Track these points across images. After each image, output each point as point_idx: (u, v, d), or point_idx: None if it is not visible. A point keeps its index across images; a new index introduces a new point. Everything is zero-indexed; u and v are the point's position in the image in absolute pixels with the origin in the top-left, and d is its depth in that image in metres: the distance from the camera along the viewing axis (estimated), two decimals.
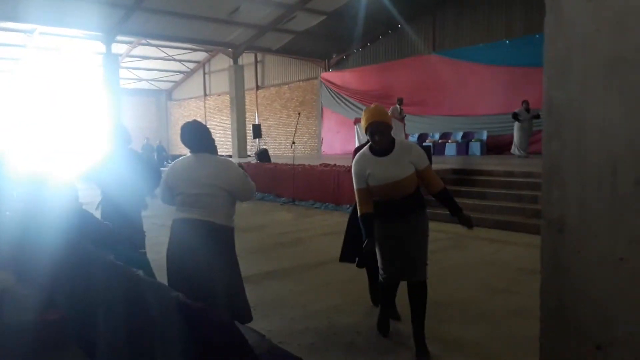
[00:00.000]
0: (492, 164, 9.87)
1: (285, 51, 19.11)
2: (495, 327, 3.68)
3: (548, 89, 1.35)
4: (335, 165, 10.61)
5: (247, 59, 21.43)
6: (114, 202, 3.87)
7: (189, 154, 3.14)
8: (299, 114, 14.88)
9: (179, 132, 3.19)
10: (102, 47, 15.96)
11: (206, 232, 2.97)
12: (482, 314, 3.96)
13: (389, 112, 12.25)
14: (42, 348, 3.14)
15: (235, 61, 18.58)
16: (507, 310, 4.00)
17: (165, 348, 2.17)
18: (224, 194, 3.03)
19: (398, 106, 12.52)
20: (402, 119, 12.19)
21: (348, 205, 9.48)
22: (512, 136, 12.19)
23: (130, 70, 24.12)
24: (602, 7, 1.29)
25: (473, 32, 14.63)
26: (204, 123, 3.32)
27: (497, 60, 13.51)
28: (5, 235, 3.68)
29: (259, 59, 22.71)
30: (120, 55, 20.17)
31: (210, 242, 2.97)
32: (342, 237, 4.35)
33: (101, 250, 3.09)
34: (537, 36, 12.69)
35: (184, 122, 3.21)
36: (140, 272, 2.47)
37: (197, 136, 3.09)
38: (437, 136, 14.82)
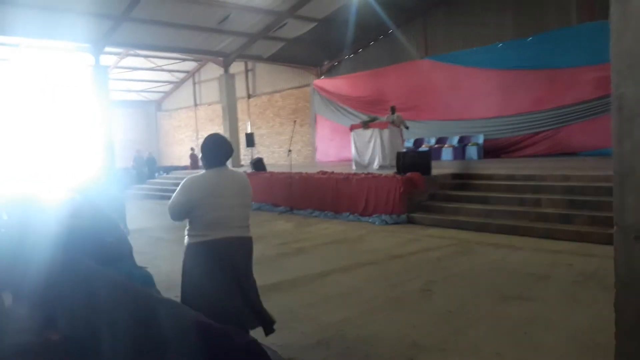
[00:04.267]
0: (492, 167, 9.78)
1: (276, 59, 19.00)
2: (514, 336, 3.55)
3: (617, 84, 1.23)
4: (333, 172, 10.48)
5: (237, 67, 21.27)
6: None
7: (203, 169, 3.11)
8: (294, 121, 14.74)
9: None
10: (90, 59, 15.72)
11: (249, 249, 3.14)
12: (498, 322, 3.84)
13: (395, 120, 11.92)
14: None
15: (226, 70, 18.42)
16: (523, 318, 3.88)
17: None
18: (249, 208, 3.18)
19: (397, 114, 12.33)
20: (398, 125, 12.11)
21: (348, 213, 9.36)
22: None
23: (118, 81, 23.86)
24: None
25: (464, 36, 14.60)
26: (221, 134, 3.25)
27: (490, 64, 13.48)
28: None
29: (249, 67, 22.56)
30: (109, 67, 19.90)
31: (250, 258, 3.17)
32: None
33: (102, 266, 2.96)
34: (529, 39, 12.75)
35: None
36: (153, 290, 2.32)
37: (223, 150, 3.06)
38: (432, 141, 14.74)
